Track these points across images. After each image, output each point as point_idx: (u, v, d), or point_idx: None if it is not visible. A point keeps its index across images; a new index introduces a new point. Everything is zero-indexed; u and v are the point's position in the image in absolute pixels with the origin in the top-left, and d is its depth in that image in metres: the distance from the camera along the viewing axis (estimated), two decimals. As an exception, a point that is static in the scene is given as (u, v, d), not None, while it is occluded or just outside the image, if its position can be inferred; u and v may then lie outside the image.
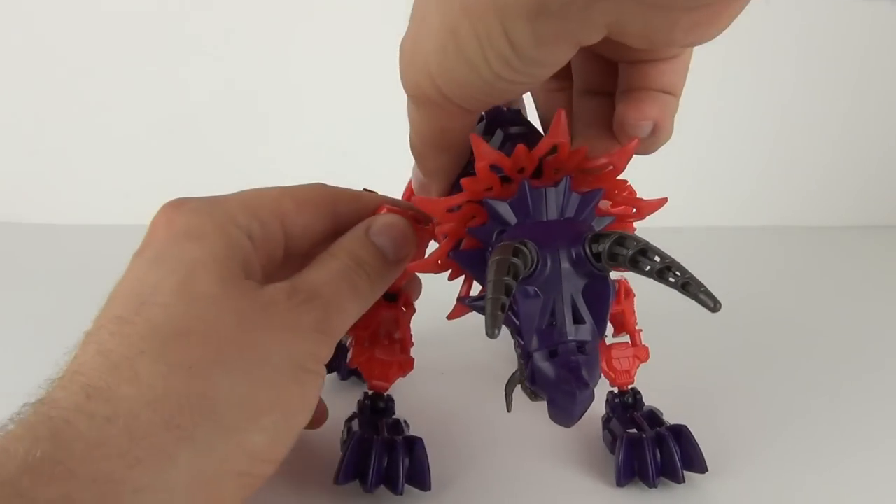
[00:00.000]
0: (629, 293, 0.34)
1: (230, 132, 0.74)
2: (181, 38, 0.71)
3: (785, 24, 0.70)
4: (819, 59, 0.73)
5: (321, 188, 0.27)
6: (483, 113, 0.30)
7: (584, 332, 0.21)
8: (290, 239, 0.26)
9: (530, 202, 0.23)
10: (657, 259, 0.19)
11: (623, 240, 0.20)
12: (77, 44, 0.71)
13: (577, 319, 0.21)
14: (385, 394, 0.32)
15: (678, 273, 0.19)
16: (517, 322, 0.22)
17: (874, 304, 0.54)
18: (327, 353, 0.23)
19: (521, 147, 0.23)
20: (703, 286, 0.18)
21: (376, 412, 0.31)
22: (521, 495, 0.30)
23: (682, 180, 0.74)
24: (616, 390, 0.33)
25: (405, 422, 0.32)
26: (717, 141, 0.74)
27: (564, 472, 0.31)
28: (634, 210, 0.26)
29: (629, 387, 0.33)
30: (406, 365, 0.31)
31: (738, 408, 0.37)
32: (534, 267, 0.21)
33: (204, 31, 0.71)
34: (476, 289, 0.27)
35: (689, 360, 0.43)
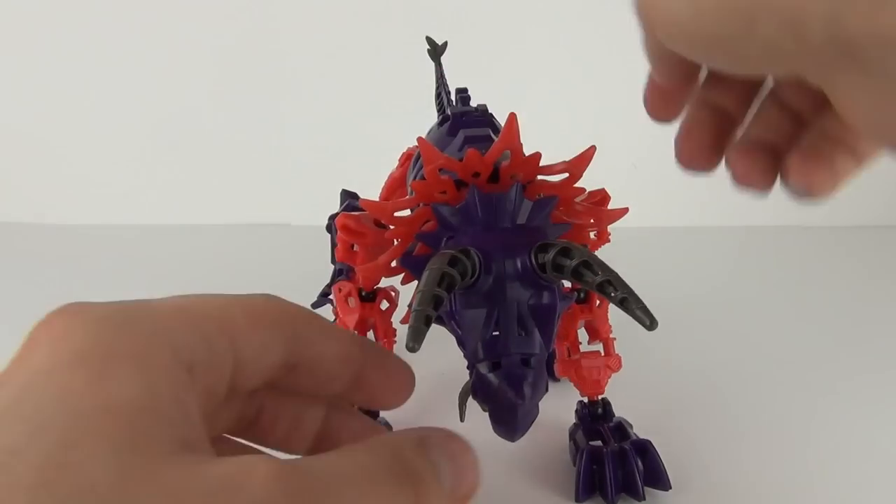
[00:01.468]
0: (603, 300, 0.33)
1: (231, 133, 0.74)
2: (181, 38, 0.71)
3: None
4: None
5: (275, 301, 0.19)
6: (449, 113, 0.30)
7: (529, 344, 0.20)
8: (239, 367, 0.18)
9: (479, 208, 0.22)
10: (599, 273, 0.19)
11: (568, 251, 0.19)
12: (77, 44, 0.71)
13: (523, 331, 0.20)
14: (599, 398, 0.32)
15: (617, 288, 0.18)
16: (460, 332, 0.21)
17: (874, 304, 0.54)
18: None
19: (472, 151, 0.22)
20: (640, 303, 0.18)
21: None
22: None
23: (682, 180, 0.74)
24: (586, 400, 0.32)
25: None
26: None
27: (526, 485, 0.30)
28: (592, 220, 0.25)
29: (599, 397, 0.32)
30: None
31: (721, 418, 0.36)
32: (476, 276, 0.20)
33: (204, 31, 0.71)
34: None
35: (671, 367, 0.42)
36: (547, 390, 0.21)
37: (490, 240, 0.21)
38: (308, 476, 0.14)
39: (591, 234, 0.30)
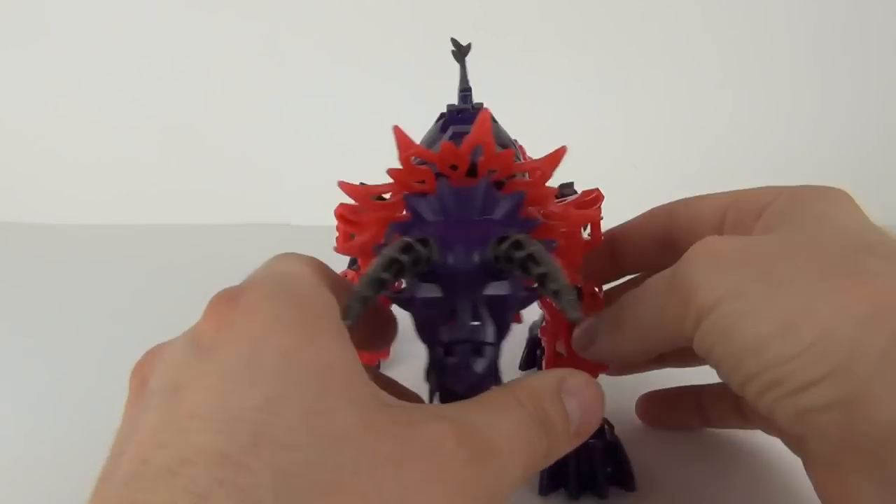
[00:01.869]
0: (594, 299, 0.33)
1: (230, 132, 0.74)
2: (181, 38, 0.71)
3: (785, 23, 0.71)
4: (819, 59, 0.73)
5: (311, 260, 0.21)
6: (446, 111, 0.30)
7: (482, 333, 0.21)
8: None
9: (448, 200, 0.22)
10: (540, 265, 0.19)
11: (520, 244, 0.20)
12: (77, 43, 0.71)
13: (477, 320, 0.21)
14: None
15: (552, 281, 0.19)
16: (417, 317, 0.21)
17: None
18: None
19: (446, 143, 0.22)
20: (570, 296, 0.18)
21: None
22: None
23: (682, 180, 0.74)
24: None
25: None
26: (718, 141, 0.74)
27: None
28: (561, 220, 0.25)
29: None
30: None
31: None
32: (432, 263, 0.20)
33: (205, 31, 0.71)
34: None
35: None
36: (499, 382, 0.21)
37: (453, 231, 0.22)
38: (479, 435, 0.17)
39: (586, 235, 0.30)
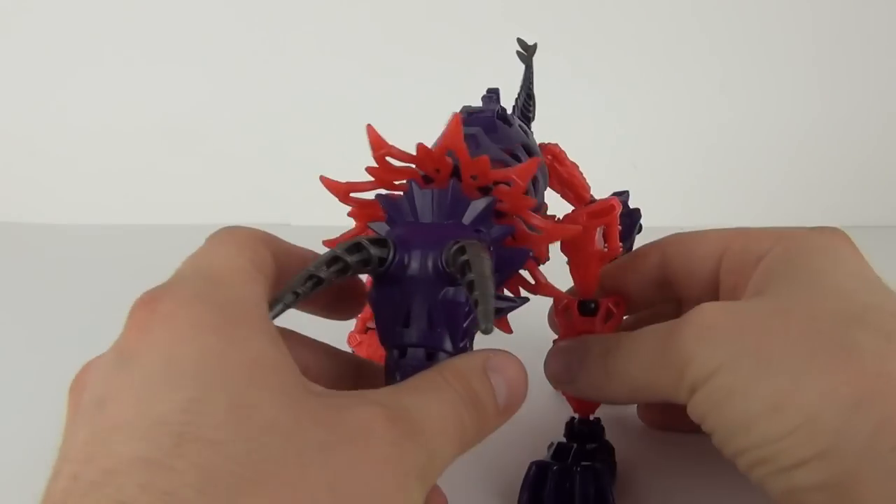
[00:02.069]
0: (612, 318, 0.30)
1: (230, 132, 0.74)
2: (181, 38, 0.71)
3: (785, 23, 0.70)
4: (819, 59, 0.73)
5: (246, 229, 0.22)
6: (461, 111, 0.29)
7: (435, 338, 0.20)
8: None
9: (415, 202, 0.22)
10: (470, 274, 0.19)
11: (464, 249, 0.20)
12: (77, 43, 0.71)
13: (431, 325, 0.21)
14: (592, 417, 0.30)
15: (476, 289, 0.18)
16: (375, 317, 0.22)
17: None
18: None
19: (420, 145, 0.22)
20: (487, 306, 0.18)
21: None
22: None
23: (682, 180, 0.74)
24: (577, 417, 0.30)
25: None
26: (718, 141, 0.74)
27: (485, 494, 0.30)
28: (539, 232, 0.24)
29: (591, 416, 0.30)
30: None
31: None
32: (389, 265, 0.21)
33: (205, 31, 0.71)
34: None
35: None
36: None
37: (416, 233, 0.22)
38: (408, 416, 0.17)
39: (602, 247, 0.29)
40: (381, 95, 0.71)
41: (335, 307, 0.25)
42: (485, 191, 0.23)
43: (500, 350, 0.21)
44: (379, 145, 0.23)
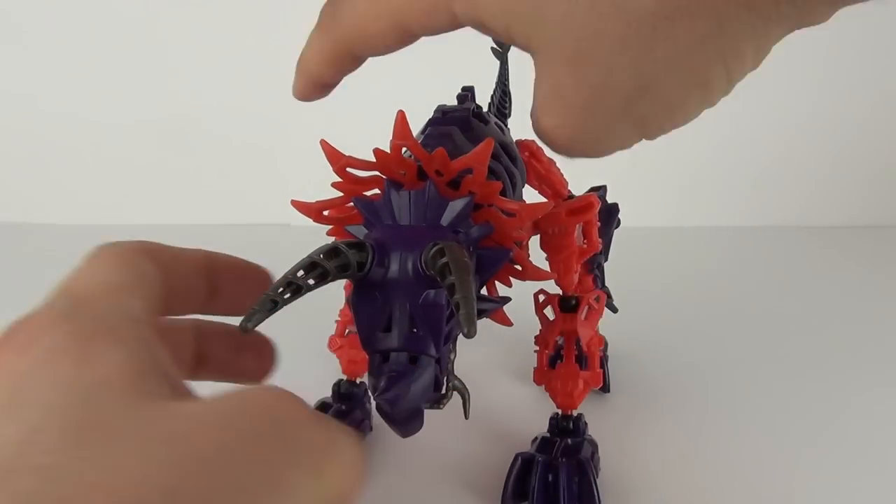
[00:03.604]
0: (590, 313, 0.31)
1: (231, 132, 0.74)
2: (181, 38, 0.71)
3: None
4: (819, 59, 0.73)
5: (123, 244, 0.21)
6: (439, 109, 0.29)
7: (418, 342, 0.20)
8: (168, 303, 0.20)
9: (393, 204, 0.22)
10: (451, 277, 0.19)
11: (443, 251, 0.19)
12: (77, 44, 0.71)
13: (414, 329, 0.20)
14: (573, 412, 0.31)
15: (457, 292, 0.18)
16: (356, 323, 0.21)
17: (874, 304, 0.54)
18: None
19: (377, 150, 0.22)
20: (469, 309, 0.18)
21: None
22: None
23: (682, 180, 0.74)
24: (560, 413, 0.31)
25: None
26: (717, 141, 0.74)
27: (468, 488, 0.30)
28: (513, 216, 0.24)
29: (573, 411, 0.30)
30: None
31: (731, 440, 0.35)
32: (368, 269, 0.20)
33: (205, 31, 0.71)
34: None
35: (682, 368, 0.42)
36: (440, 391, 0.21)
37: (394, 236, 0.21)
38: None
39: (581, 243, 0.29)
40: (382, 95, 0.71)
41: (236, 367, 0.23)
42: (454, 185, 0.22)
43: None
44: (336, 158, 0.23)
